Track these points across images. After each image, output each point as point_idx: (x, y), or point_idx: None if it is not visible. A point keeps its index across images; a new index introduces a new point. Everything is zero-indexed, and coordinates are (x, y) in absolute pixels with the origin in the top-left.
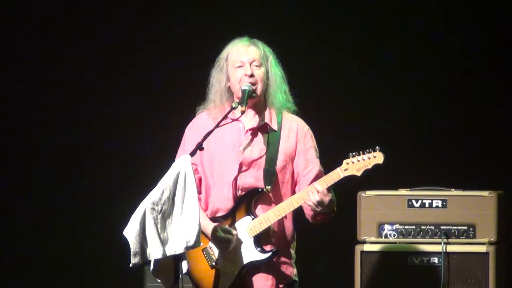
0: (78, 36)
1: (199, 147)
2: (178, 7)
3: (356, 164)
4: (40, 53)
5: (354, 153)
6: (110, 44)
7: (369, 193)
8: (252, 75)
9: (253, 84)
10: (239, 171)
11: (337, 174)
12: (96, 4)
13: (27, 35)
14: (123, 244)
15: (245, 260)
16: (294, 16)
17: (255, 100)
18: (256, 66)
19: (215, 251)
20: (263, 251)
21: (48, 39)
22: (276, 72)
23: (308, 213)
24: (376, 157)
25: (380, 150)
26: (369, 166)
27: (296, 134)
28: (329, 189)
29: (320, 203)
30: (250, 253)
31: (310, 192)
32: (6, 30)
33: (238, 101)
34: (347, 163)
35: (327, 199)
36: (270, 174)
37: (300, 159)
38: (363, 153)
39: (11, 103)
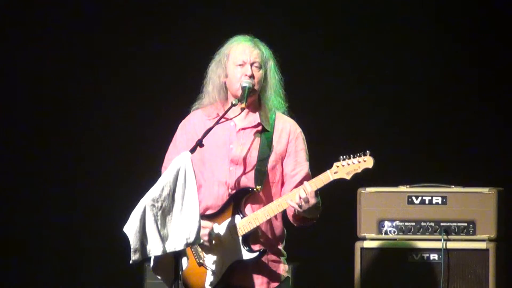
0: (75, 33)
1: (199, 143)
2: (174, 5)
3: (346, 168)
4: (38, 50)
5: (344, 157)
6: (110, 42)
7: (369, 189)
8: (252, 76)
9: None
10: (229, 170)
11: (327, 176)
12: (92, 2)
13: (24, 34)
14: (123, 241)
15: (233, 259)
16: (286, 15)
17: (250, 99)
18: (257, 67)
19: (203, 249)
20: (251, 250)
21: (47, 37)
22: (275, 76)
23: (290, 213)
24: (366, 161)
25: (370, 155)
26: (359, 170)
27: (288, 135)
28: (316, 193)
29: (305, 201)
30: (238, 252)
31: (299, 193)
32: (4, 30)
33: (237, 98)
34: (337, 166)
35: (313, 201)
36: (261, 174)
37: (289, 160)
38: (354, 157)
39: (11, 99)
